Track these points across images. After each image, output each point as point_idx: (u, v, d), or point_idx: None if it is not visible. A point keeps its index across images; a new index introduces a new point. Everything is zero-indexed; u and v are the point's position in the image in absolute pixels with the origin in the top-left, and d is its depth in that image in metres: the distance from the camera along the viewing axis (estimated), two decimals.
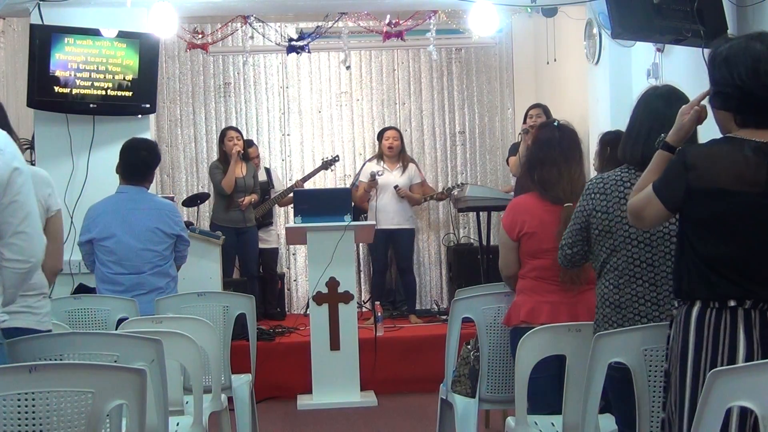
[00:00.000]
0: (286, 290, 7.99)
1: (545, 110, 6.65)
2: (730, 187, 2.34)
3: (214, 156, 8.18)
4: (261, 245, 7.41)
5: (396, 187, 7.01)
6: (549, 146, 3.52)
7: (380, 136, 7.35)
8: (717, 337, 2.34)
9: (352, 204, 6.89)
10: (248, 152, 7.21)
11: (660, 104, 2.85)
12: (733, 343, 2.32)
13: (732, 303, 2.34)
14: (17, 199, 2.54)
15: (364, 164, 7.48)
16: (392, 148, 7.11)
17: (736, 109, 2.40)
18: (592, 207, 2.91)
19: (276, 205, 7.56)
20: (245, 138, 7.84)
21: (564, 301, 3.42)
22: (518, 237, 3.50)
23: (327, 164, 7.48)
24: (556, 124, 3.64)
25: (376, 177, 6.98)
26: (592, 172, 6.26)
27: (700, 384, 2.29)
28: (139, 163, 4.57)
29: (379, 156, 7.18)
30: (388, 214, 6.93)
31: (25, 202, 2.57)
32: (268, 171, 7.77)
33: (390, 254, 7.29)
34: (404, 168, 7.12)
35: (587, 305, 3.40)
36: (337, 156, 7.61)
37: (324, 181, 8.11)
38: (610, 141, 5.14)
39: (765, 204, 2.33)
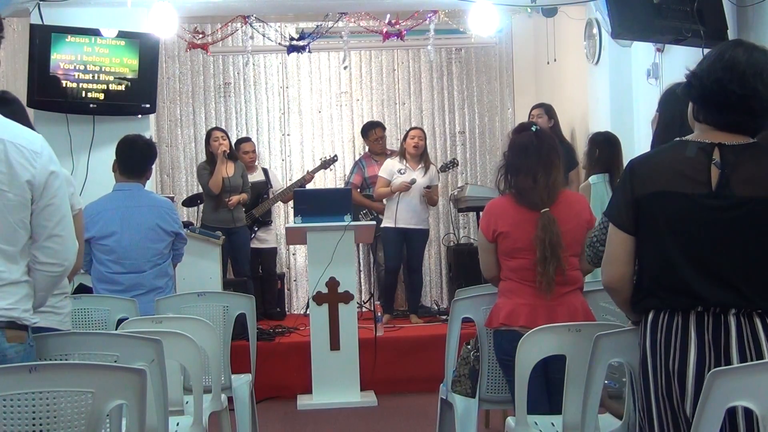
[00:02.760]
0: (285, 290, 7.98)
1: (547, 110, 6.64)
2: (674, 189, 2.32)
3: None
4: (260, 245, 7.41)
5: (428, 187, 6.92)
6: (525, 154, 3.47)
7: (405, 134, 7.18)
8: (669, 342, 2.32)
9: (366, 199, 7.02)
10: (234, 152, 7.15)
11: (683, 102, 2.87)
12: (684, 347, 2.29)
13: (684, 308, 2.31)
14: (53, 202, 2.54)
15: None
16: (417, 147, 6.95)
17: (692, 98, 2.41)
18: None
19: (281, 200, 7.55)
20: (245, 135, 7.86)
21: (543, 304, 3.43)
22: (494, 237, 3.52)
23: (326, 164, 7.47)
24: (533, 129, 3.58)
25: (407, 180, 6.80)
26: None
27: (657, 388, 2.32)
28: (137, 156, 4.55)
29: (402, 154, 7.05)
30: (408, 213, 6.88)
31: (60, 205, 2.57)
32: (265, 171, 7.76)
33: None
34: (426, 168, 7.00)
35: (567, 308, 3.42)
36: (336, 156, 7.59)
37: (324, 181, 8.11)
38: (599, 142, 5.16)
39: (712, 205, 2.29)
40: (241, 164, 7.13)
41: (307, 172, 7.54)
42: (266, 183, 7.59)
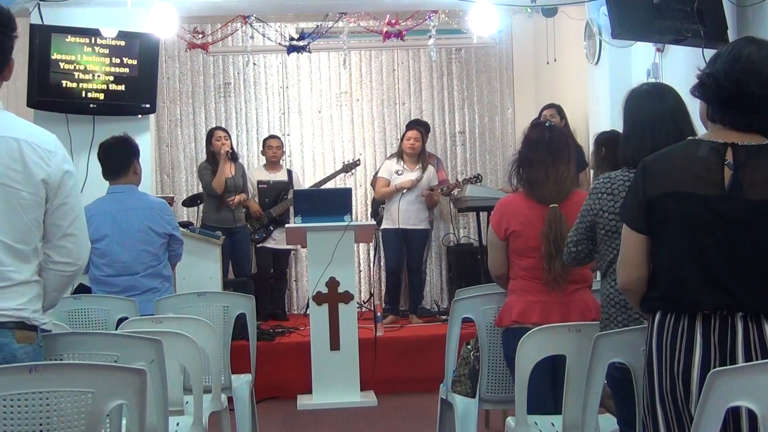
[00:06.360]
0: (286, 290, 7.97)
1: (559, 110, 6.63)
2: (686, 189, 2.28)
3: None
4: (275, 245, 7.35)
5: (431, 188, 6.96)
6: (537, 147, 3.51)
7: (403, 135, 7.24)
8: (674, 343, 2.29)
9: (373, 197, 7.09)
10: (236, 153, 7.17)
11: (651, 100, 2.86)
12: (689, 349, 2.27)
13: (690, 310, 2.28)
14: (68, 201, 2.54)
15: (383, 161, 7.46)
16: (414, 148, 6.99)
17: (707, 99, 2.36)
18: (600, 207, 2.91)
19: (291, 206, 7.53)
20: (273, 133, 7.85)
21: (555, 301, 3.43)
22: (506, 236, 3.52)
23: (347, 167, 7.45)
24: (547, 124, 3.67)
25: (413, 177, 6.86)
26: (591, 172, 6.29)
27: (662, 389, 2.30)
28: (107, 155, 4.53)
29: (399, 155, 7.07)
30: (408, 214, 6.89)
31: (75, 204, 2.58)
32: (290, 172, 7.72)
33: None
34: (423, 169, 7.01)
35: (579, 305, 3.43)
36: (359, 160, 7.61)
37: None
38: (604, 141, 5.16)
39: (724, 207, 2.25)
40: (241, 165, 7.14)
41: (319, 180, 7.55)
42: (288, 183, 7.50)
